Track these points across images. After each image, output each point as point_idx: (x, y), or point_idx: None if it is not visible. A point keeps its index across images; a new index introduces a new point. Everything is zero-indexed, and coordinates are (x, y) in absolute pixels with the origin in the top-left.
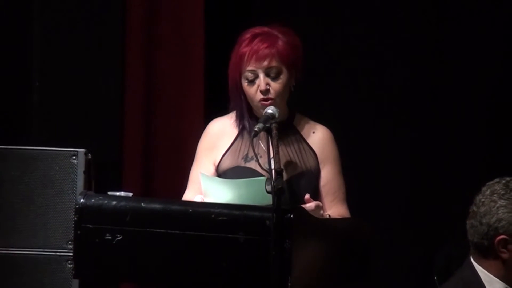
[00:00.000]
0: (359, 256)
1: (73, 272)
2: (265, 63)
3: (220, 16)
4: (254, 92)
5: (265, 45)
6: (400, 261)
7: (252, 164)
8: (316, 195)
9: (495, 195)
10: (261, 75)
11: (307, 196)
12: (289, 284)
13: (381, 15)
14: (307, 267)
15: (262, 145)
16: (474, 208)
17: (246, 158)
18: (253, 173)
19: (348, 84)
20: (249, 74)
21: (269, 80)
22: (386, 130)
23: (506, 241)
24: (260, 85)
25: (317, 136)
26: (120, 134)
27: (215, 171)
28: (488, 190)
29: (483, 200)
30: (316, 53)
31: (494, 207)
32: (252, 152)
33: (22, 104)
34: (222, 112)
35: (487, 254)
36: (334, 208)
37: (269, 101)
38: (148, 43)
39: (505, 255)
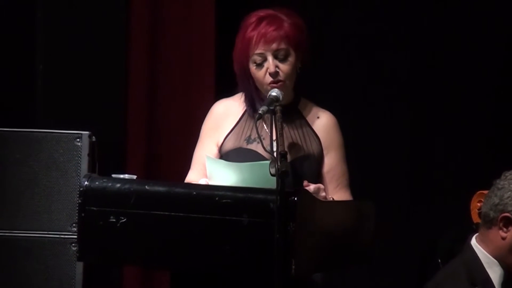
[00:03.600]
0: (363, 238)
1: (77, 254)
2: (274, 45)
3: None
4: (263, 75)
5: (272, 28)
6: (404, 244)
7: (254, 146)
8: (318, 180)
9: None
10: (270, 58)
11: (305, 183)
12: (293, 267)
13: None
14: (310, 249)
15: (266, 128)
16: (497, 180)
17: (248, 140)
18: (255, 155)
19: (351, 70)
20: (258, 57)
21: (277, 63)
22: (388, 116)
23: (509, 220)
24: (270, 67)
25: (322, 122)
26: (124, 116)
27: (218, 152)
28: None
29: (507, 174)
30: (317, 38)
31: None
32: (254, 133)
33: (26, 87)
34: (229, 93)
35: (489, 227)
36: (337, 194)
37: (279, 83)
38: (153, 23)
39: (503, 234)
